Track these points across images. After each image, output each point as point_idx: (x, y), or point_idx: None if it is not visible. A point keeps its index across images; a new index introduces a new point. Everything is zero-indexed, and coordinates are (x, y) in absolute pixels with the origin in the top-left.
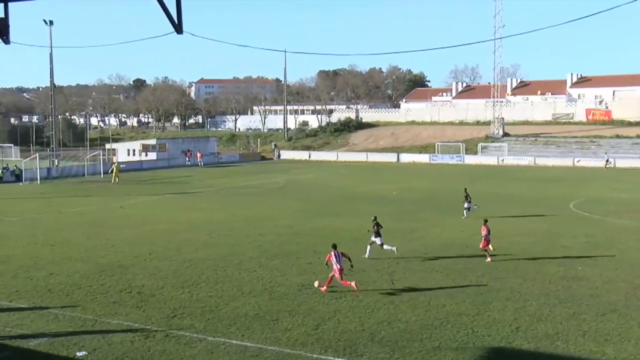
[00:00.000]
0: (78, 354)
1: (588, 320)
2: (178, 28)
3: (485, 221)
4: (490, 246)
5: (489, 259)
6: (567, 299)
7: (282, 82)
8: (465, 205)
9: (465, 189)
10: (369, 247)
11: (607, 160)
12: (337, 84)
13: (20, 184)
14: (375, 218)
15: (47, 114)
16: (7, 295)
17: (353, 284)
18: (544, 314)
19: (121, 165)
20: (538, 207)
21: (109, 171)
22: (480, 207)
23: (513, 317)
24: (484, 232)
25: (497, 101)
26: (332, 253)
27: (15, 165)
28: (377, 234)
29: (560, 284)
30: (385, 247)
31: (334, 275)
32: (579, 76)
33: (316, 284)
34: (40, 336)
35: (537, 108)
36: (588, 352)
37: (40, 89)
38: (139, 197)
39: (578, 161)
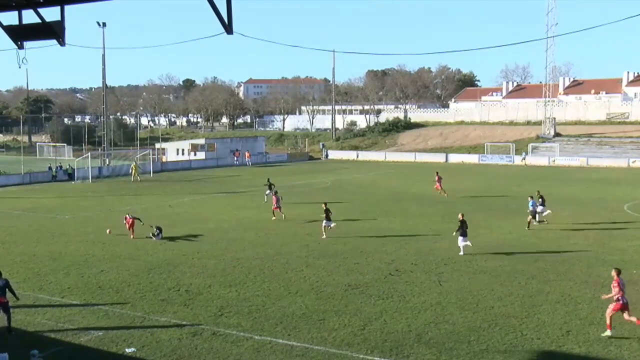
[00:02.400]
0: (127, 350)
1: None
2: (228, 28)
3: (276, 192)
4: (280, 213)
5: (274, 218)
6: None
7: (331, 82)
8: (267, 192)
9: (268, 179)
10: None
11: (523, 158)
12: (385, 84)
13: (73, 182)
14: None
15: (99, 114)
16: (59, 291)
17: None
18: (596, 318)
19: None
20: (591, 208)
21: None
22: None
23: (563, 320)
24: (274, 199)
25: (548, 101)
26: (127, 216)
27: (69, 164)
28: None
29: None
30: None
31: (128, 225)
32: (636, 74)
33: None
34: (90, 332)
35: (591, 107)
36: None
37: (93, 89)
38: (188, 196)
39: (633, 162)
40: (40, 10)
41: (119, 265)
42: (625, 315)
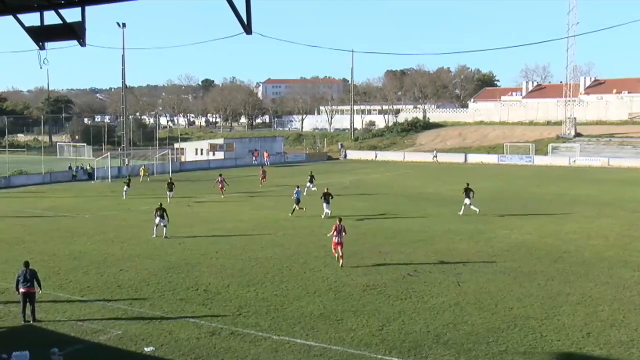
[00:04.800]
0: (146, 349)
1: None
2: (247, 28)
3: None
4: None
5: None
6: None
7: (349, 82)
8: (124, 188)
9: (128, 175)
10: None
11: (435, 156)
12: (404, 84)
13: (93, 182)
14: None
15: (118, 114)
16: (79, 290)
17: None
18: (617, 320)
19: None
20: (611, 209)
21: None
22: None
23: (584, 322)
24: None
25: (569, 100)
26: None
27: (88, 164)
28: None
29: (636, 289)
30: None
31: None
32: None
33: None
34: (110, 330)
35: (612, 107)
36: None
37: (112, 89)
38: (207, 196)
39: None
40: (61, 11)
41: (138, 265)
42: (338, 251)
